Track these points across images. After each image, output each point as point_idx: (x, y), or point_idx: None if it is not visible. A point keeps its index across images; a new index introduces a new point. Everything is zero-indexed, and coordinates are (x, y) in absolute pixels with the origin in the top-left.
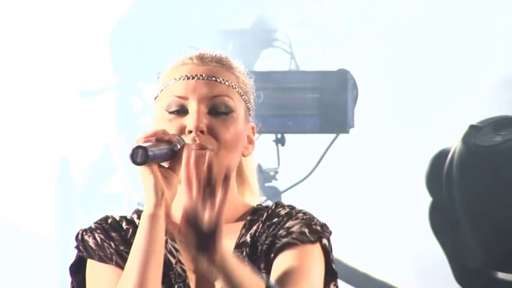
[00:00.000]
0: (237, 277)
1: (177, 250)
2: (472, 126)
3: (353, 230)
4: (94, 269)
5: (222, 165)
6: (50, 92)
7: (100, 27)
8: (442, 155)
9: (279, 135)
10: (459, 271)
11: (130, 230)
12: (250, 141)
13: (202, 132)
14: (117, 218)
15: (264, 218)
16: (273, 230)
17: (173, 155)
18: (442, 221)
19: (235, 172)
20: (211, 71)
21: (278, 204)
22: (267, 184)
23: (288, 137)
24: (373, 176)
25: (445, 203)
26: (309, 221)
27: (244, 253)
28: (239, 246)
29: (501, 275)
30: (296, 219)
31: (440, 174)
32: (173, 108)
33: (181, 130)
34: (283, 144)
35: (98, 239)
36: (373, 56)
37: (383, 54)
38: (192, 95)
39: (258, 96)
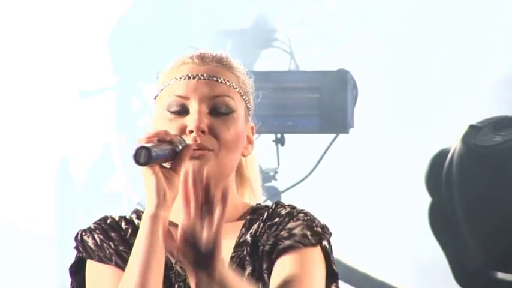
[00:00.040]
0: None
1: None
2: (471, 126)
3: (353, 230)
4: (93, 269)
5: (222, 165)
6: (50, 92)
7: (100, 27)
8: (441, 155)
9: (279, 135)
10: (459, 271)
11: (130, 230)
12: (250, 141)
13: (203, 132)
14: (116, 218)
15: (264, 218)
16: (274, 231)
17: (175, 156)
18: (442, 221)
19: (234, 172)
20: (212, 70)
21: (278, 204)
22: (266, 184)
23: (287, 137)
24: (372, 176)
25: (444, 203)
26: (310, 222)
27: (244, 252)
28: (239, 246)
29: (500, 275)
30: (297, 220)
31: (440, 174)
32: (174, 108)
33: (182, 130)
34: (282, 144)
35: (97, 239)
36: (373, 56)
37: (383, 54)
38: (193, 94)
39: (257, 96)
